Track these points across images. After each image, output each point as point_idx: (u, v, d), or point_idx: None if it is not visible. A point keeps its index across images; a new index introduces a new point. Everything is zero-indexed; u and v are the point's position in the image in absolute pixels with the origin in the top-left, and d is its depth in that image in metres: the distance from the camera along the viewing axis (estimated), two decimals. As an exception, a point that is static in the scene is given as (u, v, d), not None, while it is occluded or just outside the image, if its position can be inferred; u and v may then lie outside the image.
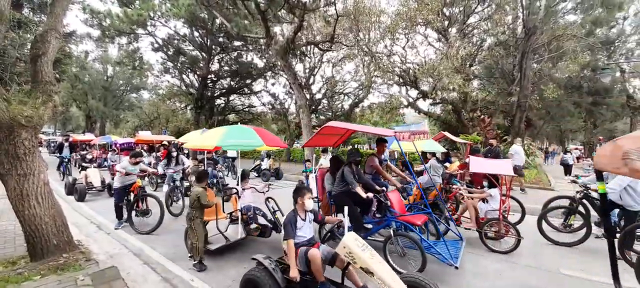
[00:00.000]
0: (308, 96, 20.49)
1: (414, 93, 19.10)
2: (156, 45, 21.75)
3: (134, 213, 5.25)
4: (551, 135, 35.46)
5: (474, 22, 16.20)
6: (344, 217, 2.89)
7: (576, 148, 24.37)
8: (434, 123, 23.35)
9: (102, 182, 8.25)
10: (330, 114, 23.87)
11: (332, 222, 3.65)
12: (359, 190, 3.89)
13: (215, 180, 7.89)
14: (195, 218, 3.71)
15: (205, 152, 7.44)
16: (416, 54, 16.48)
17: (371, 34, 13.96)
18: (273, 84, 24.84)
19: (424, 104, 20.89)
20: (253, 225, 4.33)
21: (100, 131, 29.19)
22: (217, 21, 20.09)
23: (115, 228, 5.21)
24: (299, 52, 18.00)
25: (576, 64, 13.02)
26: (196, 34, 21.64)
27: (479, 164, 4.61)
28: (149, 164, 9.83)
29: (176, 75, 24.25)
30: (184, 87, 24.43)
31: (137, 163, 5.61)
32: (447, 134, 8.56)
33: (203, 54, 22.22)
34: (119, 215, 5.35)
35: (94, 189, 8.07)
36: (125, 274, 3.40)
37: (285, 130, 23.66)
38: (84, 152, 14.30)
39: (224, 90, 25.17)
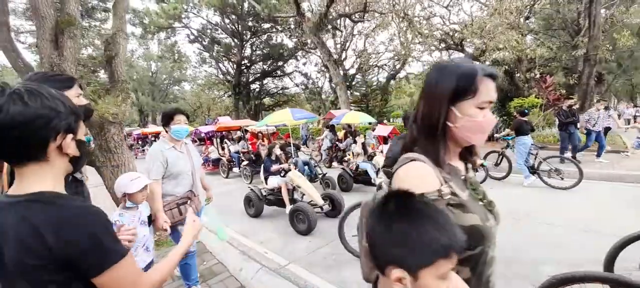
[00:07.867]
0: (342, 72, 20.03)
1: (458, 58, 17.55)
2: (191, 37, 22.70)
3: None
4: (620, 91, 30.78)
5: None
6: None
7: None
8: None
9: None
10: (364, 88, 23.23)
11: None
12: None
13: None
14: None
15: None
16: (458, 12, 14.90)
17: (408, -4, 12.90)
18: (304, 63, 24.76)
19: (468, 69, 19.16)
20: None
21: (153, 124, 31.94)
22: (245, 5, 20.17)
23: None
24: (331, 26, 17.48)
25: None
26: (227, 20, 22.07)
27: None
28: (242, 153, 8.96)
29: (213, 64, 25.30)
30: (221, 75, 25.46)
31: None
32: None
33: (235, 40, 22.73)
34: None
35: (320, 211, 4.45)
36: (210, 248, 3.79)
37: (320, 109, 23.67)
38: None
39: (258, 75, 25.74)
